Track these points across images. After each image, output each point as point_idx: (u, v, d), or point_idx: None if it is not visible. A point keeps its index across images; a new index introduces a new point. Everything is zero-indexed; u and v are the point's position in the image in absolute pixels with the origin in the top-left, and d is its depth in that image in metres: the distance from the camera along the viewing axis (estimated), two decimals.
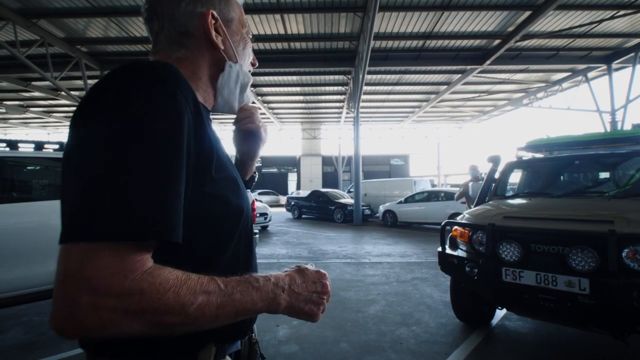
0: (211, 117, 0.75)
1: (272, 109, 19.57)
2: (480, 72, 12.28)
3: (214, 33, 0.67)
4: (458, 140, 29.59)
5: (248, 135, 0.87)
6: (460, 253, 3.03)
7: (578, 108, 14.96)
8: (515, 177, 4.09)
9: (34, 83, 13.11)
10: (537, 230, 2.54)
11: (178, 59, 0.66)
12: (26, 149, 3.45)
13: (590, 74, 12.87)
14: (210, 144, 0.58)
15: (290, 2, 8.36)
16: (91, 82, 11.87)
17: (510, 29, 9.56)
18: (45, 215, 3.13)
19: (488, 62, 11.04)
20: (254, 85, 14.76)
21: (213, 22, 0.67)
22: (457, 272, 2.99)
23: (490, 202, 3.73)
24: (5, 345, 3.06)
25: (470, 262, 2.81)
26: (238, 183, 0.66)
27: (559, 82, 14.21)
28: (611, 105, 12.21)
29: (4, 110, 17.57)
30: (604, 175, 3.61)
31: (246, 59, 0.77)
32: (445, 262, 3.12)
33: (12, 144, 3.37)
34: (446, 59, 11.53)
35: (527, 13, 8.64)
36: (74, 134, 0.50)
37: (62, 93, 11.92)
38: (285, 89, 15.71)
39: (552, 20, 9.10)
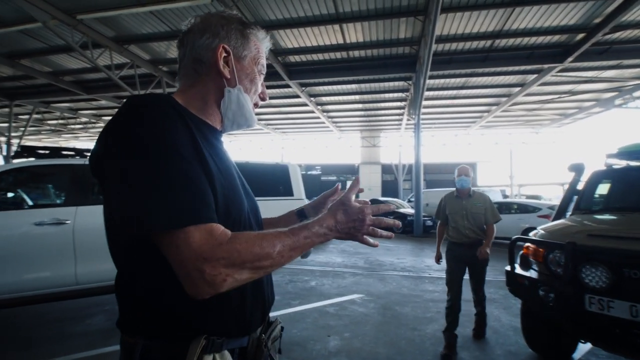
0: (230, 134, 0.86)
1: (331, 117, 19.77)
2: (561, 70, 11.04)
3: (221, 63, 0.78)
4: (534, 146, 26.75)
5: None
6: (532, 274, 2.68)
7: None
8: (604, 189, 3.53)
9: (124, 100, 15.01)
10: (635, 254, 2.13)
11: (192, 84, 0.80)
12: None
13: None
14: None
15: (349, 11, 8.38)
16: None
17: (597, 20, 8.44)
18: None
19: (570, 59, 9.86)
20: (313, 95, 15.09)
21: (224, 54, 0.79)
22: (529, 296, 2.64)
23: (571, 217, 3.27)
24: (91, 330, 3.47)
25: (544, 285, 2.46)
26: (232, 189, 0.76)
27: None
28: None
29: (102, 125, 20.47)
30: None
31: (252, 90, 0.86)
32: (515, 283, 2.78)
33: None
34: (519, 59, 10.56)
35: (619, 0, 7.56)
36: (110, 147, 0.68)
37: None
38: (344, 98, 15.74)
39: None
